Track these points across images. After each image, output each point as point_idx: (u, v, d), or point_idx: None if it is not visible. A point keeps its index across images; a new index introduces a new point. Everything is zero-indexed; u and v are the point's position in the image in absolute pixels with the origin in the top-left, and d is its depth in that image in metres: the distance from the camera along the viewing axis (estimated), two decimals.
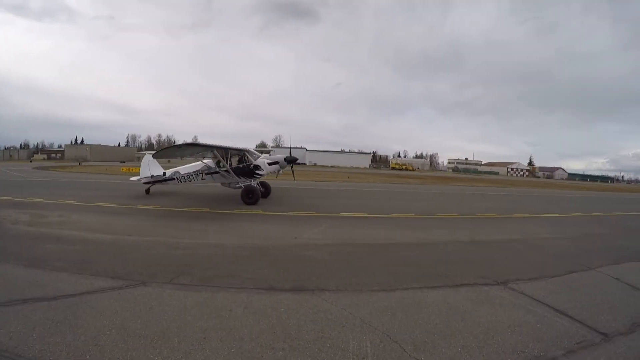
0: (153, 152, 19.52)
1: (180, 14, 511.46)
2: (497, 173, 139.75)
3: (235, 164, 15.75)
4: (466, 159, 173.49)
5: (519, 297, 5.81)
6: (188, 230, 9.72)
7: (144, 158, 17.40)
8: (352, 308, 4.79)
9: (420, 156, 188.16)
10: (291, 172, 16.89)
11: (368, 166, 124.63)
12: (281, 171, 16.49)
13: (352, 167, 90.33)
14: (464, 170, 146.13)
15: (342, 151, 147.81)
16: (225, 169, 15.45)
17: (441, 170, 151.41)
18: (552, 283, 6.67)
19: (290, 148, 17.87)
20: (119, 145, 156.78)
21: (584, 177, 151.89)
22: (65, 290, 5.04)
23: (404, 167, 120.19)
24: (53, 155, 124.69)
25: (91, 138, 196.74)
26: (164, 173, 16.65)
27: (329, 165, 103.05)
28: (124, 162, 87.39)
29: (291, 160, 16.18)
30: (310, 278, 5.99)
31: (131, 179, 18.28)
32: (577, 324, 4.91)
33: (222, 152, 15.34)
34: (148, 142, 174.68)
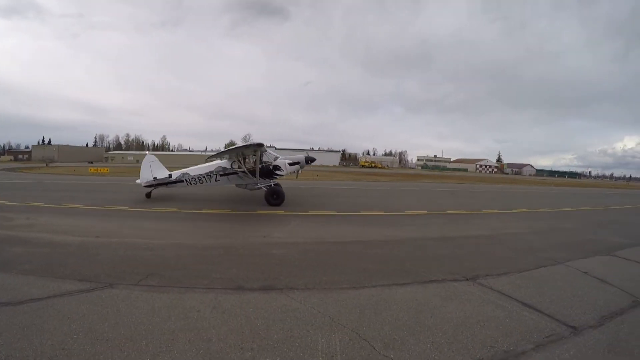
0: (154, 153, 20.10)
1: (150, 12, 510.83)
2: (465, 170, 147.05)
3: (253, 164, 15.91)
4: (435, 156, 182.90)
5: (488, 293, 6.07)
6: (157, 230, 9.92)
7: (144, 158, 16.63)
8: (321, 306, 5.01)
9: (390, 154, 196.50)
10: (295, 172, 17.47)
11: (337, 164, 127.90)
12: (300, 171, 17.27)
13: (321, 166, 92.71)
14: (433, 167, 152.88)
15: (312, 149, 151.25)
16: (242, 170, 15.71)
17: (410, 168, 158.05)
18: (521, 278, 7.02)
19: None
20: (86, 145, 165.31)
21: (551, 173, 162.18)
22: (32, 294, 5.15)
23: (373, 164, 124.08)
24: (20, 156, 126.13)
25: (59, 138, 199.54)
26: (170, 175, 16.15)
27: None
28: (92, 162, 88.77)
29: (310, 160, 17.03)
30: (279, 277, 6.19)
31: (137, 181, 17.43)
32: (546, 318, 5.18)
33: (250, 152, 15.57)
34: (116, 142, 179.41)
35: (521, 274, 7.25)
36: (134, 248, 7.84)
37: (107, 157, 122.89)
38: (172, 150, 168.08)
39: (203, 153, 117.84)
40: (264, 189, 15.62)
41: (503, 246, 9.86)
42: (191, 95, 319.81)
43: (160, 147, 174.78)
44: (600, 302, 5.99)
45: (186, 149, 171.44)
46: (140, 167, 16.71)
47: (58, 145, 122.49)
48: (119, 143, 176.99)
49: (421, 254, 8.38)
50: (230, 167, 16.10)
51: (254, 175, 15.82)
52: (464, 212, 16.82)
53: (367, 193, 23.83)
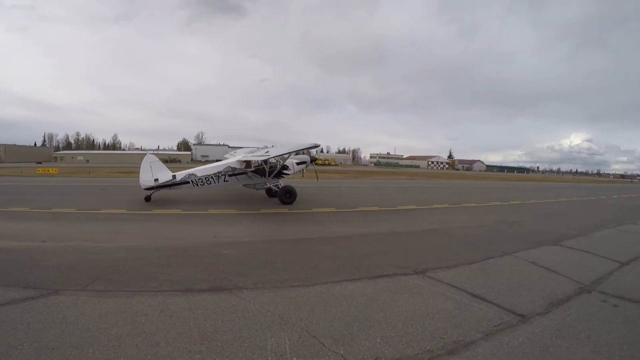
0: (151, 153, 19.49)
1: (103, 5, 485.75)
2: (417, 166, 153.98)
3: (263, 164, 16.63)
4: (388, 153, 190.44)
5: (437, 285, 6.38)
6: (105, 233, 9.80)
7: (144, 159, 15.93)
8: (270, 305, 5.15)
9: (343, 151, 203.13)
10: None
11: None
12: (304, 171, 18.49)
13: None
14: (386, 164, 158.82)
15: (265, 147, 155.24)
16: (252, 169, 16.45)
17: (364, 165, 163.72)
18: (470, 270, 7.45)
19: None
20: (35, 144, 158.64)
21: (501, 168, 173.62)
22: None
23: (326, 162, 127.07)
24: None
25: (6, 137, 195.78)
26: (174, 176, 15.72)
27: None
28: (40, 162, 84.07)
29: (313, 160, 18.78)
30: (228, 277, 6.29)
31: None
32: (495, 308, 5.51)
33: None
34: (66, 141, 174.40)
35: (470, 266, 7.69)
36: (82, 252, 7.79)
37: (56, 157, 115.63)
38: (123, 150, 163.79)
39: (155, 152, 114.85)
40: (275, 188, 16.69)
41: (453, 239, 10.40)
42: (144, 92, 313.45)
43: (112, 146, 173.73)
44: (547, 290, 6.47)
45: (138, 148, 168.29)
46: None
47: (5, 145, 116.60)
48: (69, 142, 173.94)
49: (372, 250, 8.69)
50: (239, 167, 16.50)
51: (262, 175, 16.66)
52: (415, 207, 17.59)
53: (320, 190, 24.03)
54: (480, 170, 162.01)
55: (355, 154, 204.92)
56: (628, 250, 10.34)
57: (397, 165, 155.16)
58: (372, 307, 5.28)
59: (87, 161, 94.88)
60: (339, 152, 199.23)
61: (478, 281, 6.70)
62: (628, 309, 5.89)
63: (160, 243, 8.63)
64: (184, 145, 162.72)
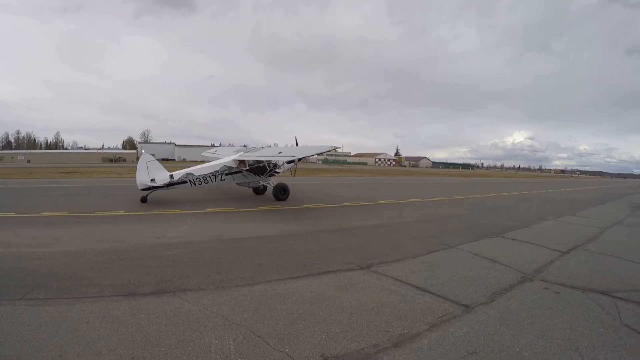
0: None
1: None
2: (365, 163, 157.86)
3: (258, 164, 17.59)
4: (336, 150, 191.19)
5: (382, 279, 6.50)
6: (46, 237, 9.28)
7: (140, 158, 15.70)
8: (214, 306, 5.11)
9: (229, 146, 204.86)
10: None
11: None
12: (293, 169, 19.72)
13: None
14: (334, 161, 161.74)
15: (212, 145, 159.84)
16: (247, 168, 17.32)
17: (312, 162, 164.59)
18: (415, 263, 7.66)
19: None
20: None
21: (447, 165, 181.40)
22: None
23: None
24: None
25: None
26: (172, 176, 15.54)
27: (199, 160, 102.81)
28: None
29: (301, 158, 18.67)
30: (172, 279, 6.18)
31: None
32: (439, 299, 5.68)
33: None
34: (5, 140, 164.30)
35: (415, 260, 7.91)
36: (21, 259, 7.36)
37: None
38: (66, 149, 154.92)
39: (100, 151, 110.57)
40: (270, 185, 17.91)
41: (398, 234, 10.66)
42: (88, 88, 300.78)
43: (54, 145, 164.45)
44: (490, 280, 6.76)
45: (81, 147, 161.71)
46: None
47: None
48: (9, 141, 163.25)
49: (317, 247, 8.76)
50: (235, 166, 17.21)
51: (256, 173, 17.70)
52: (362, 203, 17.89)
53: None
54: (426, 167, 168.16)
55: None
56: (568, 240, 11.01)
57: (344, 162, 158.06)
58: (317, 303, 5.32)
59: (28, 161, 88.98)
60: None
61: (423, 274, 6.89)
62: (569, 295, 6.25)
63: (103, 246, 8.35)
64: (129, 144, 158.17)
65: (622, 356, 4.29)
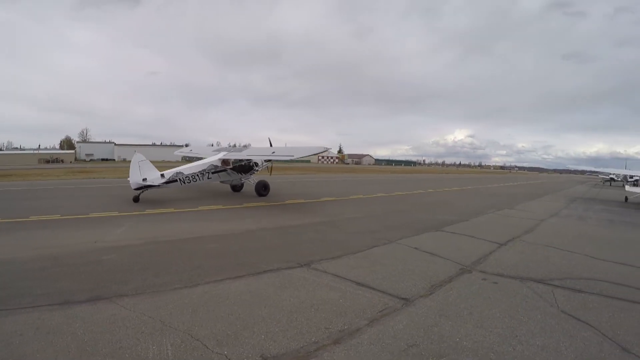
0: (138, 150, 21.53)
1: None
2: (308, 161, 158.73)
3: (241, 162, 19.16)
4: (244, 147, 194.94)
5: (322, 276, 6.52)
6: None
7: (133, 158, 16.11)
8: (151, 311, 4.99)
9: (210, 146, 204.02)
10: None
11: (181, 159, 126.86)
12: (270, 167, 21.68)
13: (163, 162, 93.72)
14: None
15: (154, 144, 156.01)
16: (231, 166, 18.80)
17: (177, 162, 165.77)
18: (355, 259, 7.76)
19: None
20: None
21: (389, 162, 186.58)
22: None
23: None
24: None
25: None
26: (163, 175, 16.24)
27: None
28: None
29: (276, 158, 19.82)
30: (108, 285, 5.99)
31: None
32: (379, 294, 5.76)
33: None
34: None
35: (355, 255, 8.01)
36: None
37: None
38: (0, 149, 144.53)
39: (36, 152, 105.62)
40: (251, 183, 19.52)
41: (339, 230, 10.80)
42: (25, 84, 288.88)
43: None
44: (430, 273, 6.96)
45: (17, 147, 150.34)
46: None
47: None
48: None
49: (257, 245, 8.72)
50: (220, 165, 18.47)
51: (238, 172, 19.23)
52: (304, 200, 18.09)
53: (205, 187, 23.64)
54: (369, 164, 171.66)
55: (244, 149, 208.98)
56: (506, 232, 11.58)
57: (287, 160, 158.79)
58: (256, 303, 5.30)
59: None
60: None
61: (363, 270, 6.98)
62: (507, 284, 6.54)
63: (36, 253, 7.97)
64: (67, 144, 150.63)
65: (559, 340, 4.52)
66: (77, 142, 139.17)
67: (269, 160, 20.44)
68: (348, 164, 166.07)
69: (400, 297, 5.68)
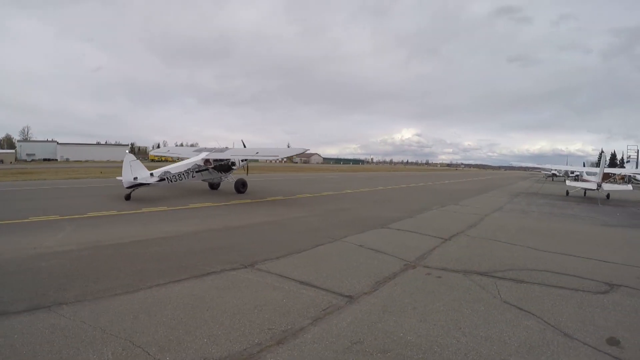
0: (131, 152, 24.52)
1: None
2: (256, 160, 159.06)
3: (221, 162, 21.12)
4: (226, 147, 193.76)
5: (266, 277, 6.48)
6: None
7: (125, 158, 17.28)
8: (92, 319, 4.86)
9: (181, 146, 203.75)
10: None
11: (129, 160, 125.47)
12: (247, 166, 23.63)
13: (108, 161, 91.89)
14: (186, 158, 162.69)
15: (98, 143, 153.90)
16: (213, 166, 20.67)
17: (160, 161, 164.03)
18: (299, 258, 7.79)
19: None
20: None
21: (337, 160, 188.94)
22: None
23: (163, 158, 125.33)
24: None
25: None
26: (152, 174, 17.42)
27: (84, 160, 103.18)
28: None
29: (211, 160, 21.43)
30: (47, 293, 5.76)
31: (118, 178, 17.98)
32: (323, 292, 5.79)
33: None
34: None
35: (300, 254, 8.04)
36: None
37: None
38: None
39: None
40: (230, 181, 21.59)
41: (285, 230, 10.80)
42: None
43: None
44: (374, 269, 7.06)
45: None
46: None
47: None
48: None
49: (202, 247, 8.59)
50: (203, 164, 20.20)
51: (219, 171, 21.20)
52: (249, 200, 17.94)
53: (152, 189, 23.07)
54: (317, 163, 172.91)
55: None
56: (450, 228, 11.94)
57: None
58: (199, 307, 5.22)
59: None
60: (177, 147, 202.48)
61: (307, 268, 7.00)
62: (451, 278, 6.74)
63: None
64: (7, 143, 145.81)
65: (502, 330, 4.68)
66: (18, 141, 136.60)
67: (245, 160, 22.60)
68: (296, 162, 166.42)
69: (344, 294, 5.71)
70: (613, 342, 4.53)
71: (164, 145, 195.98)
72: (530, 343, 4.39)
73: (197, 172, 19.99)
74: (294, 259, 7.66)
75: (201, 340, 4.27)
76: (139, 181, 16.87)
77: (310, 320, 4.80)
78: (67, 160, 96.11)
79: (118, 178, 18.11)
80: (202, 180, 20.98)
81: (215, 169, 20.91)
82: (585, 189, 27.83)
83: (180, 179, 19.02)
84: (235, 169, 22.33)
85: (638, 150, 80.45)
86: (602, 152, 37.09)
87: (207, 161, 20.48)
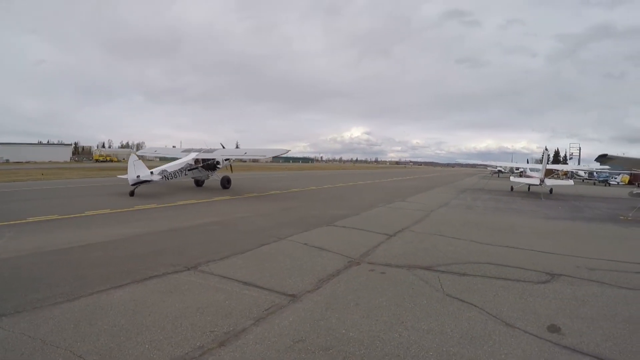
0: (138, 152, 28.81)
1: None
2: (244, 160, 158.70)
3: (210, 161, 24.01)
4: (174, 146, 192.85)
5: (209, 278, 6.43)
6: None
7: (130, 159, 19.46)
8: (31, 330, 4.70)
9: (126, 146, 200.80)
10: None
11: (69, 159, 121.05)
12: (231, 165, 26.95)
13: (50, 162, 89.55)
14: (172, 158, 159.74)
15: (40, 143, 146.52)
16: (201, 165, 23.51)
17: (148, 160, 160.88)
18: (243, 258, 7.76)
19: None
20: None
21: (287, 159, 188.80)
22: None
23: (108, 158, 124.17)
24: None
25: None
26: (152, 172, 19.53)
27: (24, 161, 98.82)
28: None
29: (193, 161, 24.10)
30: None
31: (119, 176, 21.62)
32: (266, 292, 5.80)
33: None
34: None
35: (244, 255, 8.01)
36: None
37: None
38: None
39: None
40: (217, 178, 24.32)
41: (229, 230, 10.73)
42: None
43: None
44: (318, 267, 7.15)
45: None
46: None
47: None
48: None
49: (145, 250, 8.42)
50: (194, 163, 23.05)
51: (207, 169, 24.10)
52: (195, 201, 17.67)
53: (96, 190, 22.60)
54: (266, 162, 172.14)
55: (139, 148, 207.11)
56: (395, 224, 12.21)
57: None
58: (140, 312, 5.13)
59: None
60: (122, 146, 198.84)
61: (251, 269, 6.99)
62: (394, 274, 6.90)
63: None
64: None
65: (445, 323, 4.85)
66: None
67: (228, 160, 25.59)
68: (245, 161, 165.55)
69: (287, 293, 5.75)
70: (554, 329, 4.76)
71: (109, 146, 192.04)
72: (472, 334, 4.55)
73: (189, 170, 22.74)
74: (238, 260, 7.62)
75: (143, 347, 4.21)
76: (141, 179, 18.94)
77: (253, 320, 4.81)
78: (7, 161, 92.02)
79: (119, 176, 21.91)
80: (192, 177, 23.84)
81: (203, 168, 23.76)
82: (529, 185, 29.31)
83: (176, 176, 21.76)
84: (220, 168, 25.11)
85: (580, 148, 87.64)
86: (546, 149, 38.96)
87: (197, 160, 23.30)
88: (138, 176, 18.84)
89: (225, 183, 23.83)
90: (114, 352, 4.10)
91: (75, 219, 12.48)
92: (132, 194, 18.74)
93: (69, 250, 8.46)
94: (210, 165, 24.12)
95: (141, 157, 21.71)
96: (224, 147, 25.33)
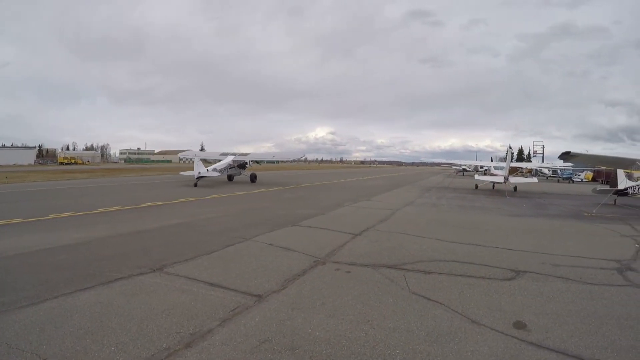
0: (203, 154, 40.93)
1: None
2: (169, 161, 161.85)
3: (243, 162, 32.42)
4: (139, 148, 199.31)
5: (174, 280, 6.38)
6: None
7: (195, 158, 28.76)
8: None
9: (91, 148, 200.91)
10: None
11: (33, 162, 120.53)
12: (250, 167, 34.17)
13: (14, 165, 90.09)
14: (137, 160, 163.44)
15: (4, 146, 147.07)
16: (236, 165, 31.56)
17: (114, 162, 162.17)
18: (209, 259, 7.71)
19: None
20: None
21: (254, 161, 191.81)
22: None
23: (73, 161, 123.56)
24: None
25: None
26: (207, 170, 27.73)
27: None
28: None
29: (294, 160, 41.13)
30: None
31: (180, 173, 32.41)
32: (232, 293, 5.80)
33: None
34: None
35: (209, 256, 7.96)
36: None
37: None
38: None
39: None
40: (245, 176, 32.41)
41: (196, 231, 10.63)
42: None
43: None
44: (283, 267, 7.16)
45: None
46: None
47: None
48: None
49: (110, 253, 8.28)
50: (232, 163, 30.86)
51: (239, 168, 31.91)
52: (161, 203, 17.42)
53: (60, 193, 22.23)
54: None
55: (104, 150, 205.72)
56: (361, 223, 12.30)
57: (148, 161, 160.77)
58: (106, 314, 5.08)
59: None
60: (87, 149, 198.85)
61: (216, 270, 6.97)
62: (360, 273, 6.96)
63: None
64: None
65: (410, 321, 4.91)
66: None
67: (254, 162, 33.89)
68: (211, 162, 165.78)
69: (253, 294, 5.75)
70: (520, 325, 4.86)
71: (74, 149, 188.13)
72: (438, 331, 4.62)
73: (229, 169, 30.62)
74: (204, 261, 7.57)
75: (109, 349, 4.18)
76: (202, 174, 26.55)
77: (219, 321, 4.80)
78: None
79: (182, 173, 32.56)
80: (228, 174, 31.07)
81: (238, 167, 31.69)
82: (494, 183, 29.84)
83: (221, 173, 29.23)
84: (247, 167, 32.88)
85: (543, 145, 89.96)
86: (510, 147, 40.06)
87: (234, 161, 31.11)
88: (199, 172, 26.36)
89: (253, 178, 31.78)
90: (80, 355, 4.07)
91: (39, 222, 12.23)
92: (195, 184, 26.16)
93: (33, 254, 8.31)
94: (241, 165, 32.03)
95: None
96: (231, 154, 33.18)
